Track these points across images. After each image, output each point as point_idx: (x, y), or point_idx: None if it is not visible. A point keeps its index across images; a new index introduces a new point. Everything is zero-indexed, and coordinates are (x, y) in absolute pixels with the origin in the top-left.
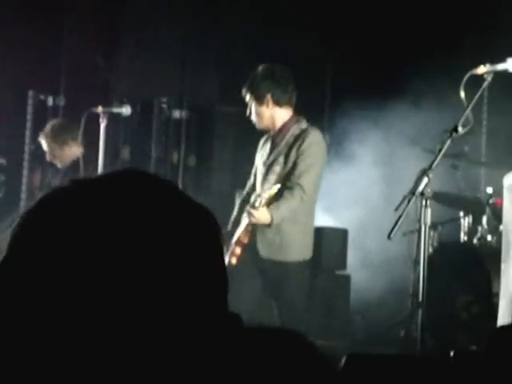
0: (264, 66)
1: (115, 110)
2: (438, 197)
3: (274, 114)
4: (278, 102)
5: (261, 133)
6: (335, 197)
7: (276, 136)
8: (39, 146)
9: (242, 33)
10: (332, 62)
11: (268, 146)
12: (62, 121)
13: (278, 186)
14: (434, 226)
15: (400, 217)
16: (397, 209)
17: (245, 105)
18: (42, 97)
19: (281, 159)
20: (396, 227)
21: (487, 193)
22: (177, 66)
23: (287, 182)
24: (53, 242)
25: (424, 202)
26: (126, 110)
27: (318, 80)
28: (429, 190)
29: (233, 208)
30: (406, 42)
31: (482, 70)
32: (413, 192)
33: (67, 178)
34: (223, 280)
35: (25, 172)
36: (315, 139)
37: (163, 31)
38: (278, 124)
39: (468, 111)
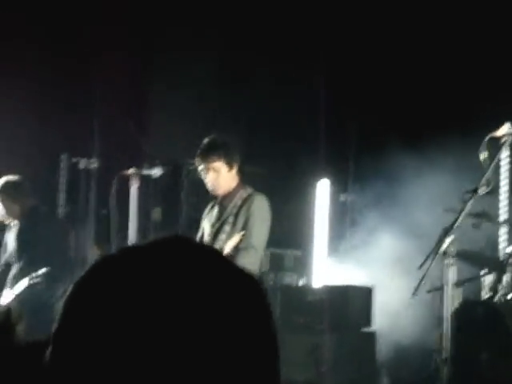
0: (214, 135)
1: (146, 171)
2: (460, 255)
3: (231, 179)
4: (239, 169)
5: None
6: (359, 255)
7: (224, 199)
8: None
9: (268, 96)
10: (356, 125)
11: (215, 209)
12: (10, 176)
13: (239, 236)
14: (457, 284)
15: (424, 275)
16: (420, 267)
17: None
18: (75, 160)
19: (230, 219)
20: (420, 285)
21: (507, 252)
22: (205, 128)
23: (240, 242)
24: (103, 310)
25: (447, 261)
26: (156, 172)
27: (342, 141)
28: (452, 249)
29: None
30: (425, 105)
31: (501, 131)
32: (436, 251)
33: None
34: (274, 346)
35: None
36: (262, 203)
37: (191, 94)
38: (230, 188)
39: (489, 172)
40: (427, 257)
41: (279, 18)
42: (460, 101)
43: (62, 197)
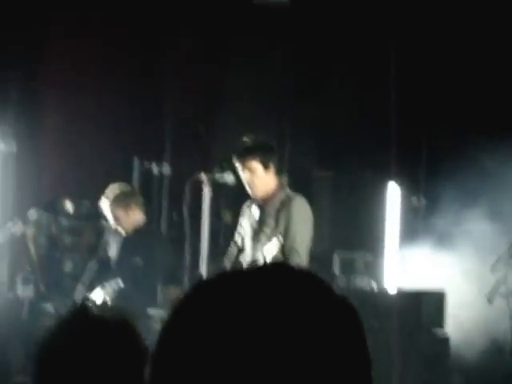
0: (254, 136)
1: (218, 176)
2: None
3: (268, 180)
4: (277, 171)
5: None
6: (431, 259)
7: (264, 202)
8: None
9: (338, 98)
10: (428, 127)
11: (255, 211)
12: (123, 185)
13: (276, 241)
14: None
15: (499, 281)
16: (492, 270)
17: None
18: (147, 164)
19: (271, 222)
20: (496, 292)
21: None
22: (275, 132)
23: (282, 245)
24: (201, 334)
25: None
26: (228, 177)
27: (413, 144)
28: None
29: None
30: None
31: None
32: (510, 254)
33: (130, 245)
34: (368, 375)
35: None
36: (302, 205)
37: (261, 99)
38: (270, 191)
39: None
40: (498, 259)
41: (349, 23)
42: None
43: None
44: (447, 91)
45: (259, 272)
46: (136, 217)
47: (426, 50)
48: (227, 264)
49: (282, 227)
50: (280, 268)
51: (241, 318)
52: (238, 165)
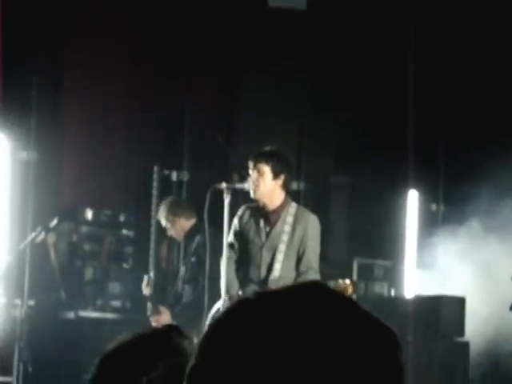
0: (275, 147)
1: (238, 185)
2: None
3: (275, 190)
4: (285, 184)
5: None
6: (450, 266)
7: (271, 214)
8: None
9: (357, 105)
10: (446, 134)
11: (260, 221)
12: (172, 198)
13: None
14: None
15: None
16: None
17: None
18: (167, 172)
19: (284, 238)
20: None
21: None
22: (292, 143)
23: (299, 263)
24: (237, 352)
25: None
26: (247, 186)
27: (431, 151)
28: None
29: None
30: None
31: None
32: None
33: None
34: None
35: (152, 244)
36: (316, 223)
37: (279, 109)
38: (276, 203)
39: None
40: None
41: (367, 28)
42: None
43: (154, 208)
44: (466, 100)
45: (299, 292)
46: (182, 223)
47: (444, 57)
48: (222, 268)
49: (296, 244)
50: (318, 289)
51: (280, 333)
52: (251, 167)
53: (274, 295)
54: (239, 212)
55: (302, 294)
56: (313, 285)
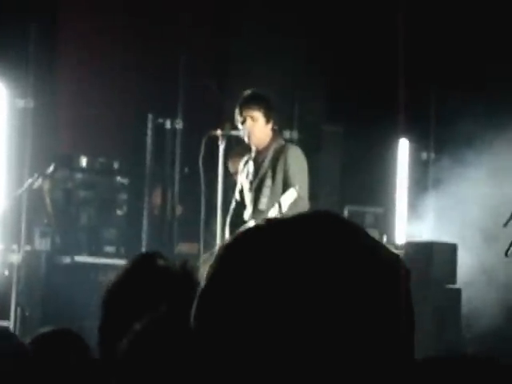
0: (254, 89)
1: (234, 132)
2: None
3: (267, 133)
4: (275, 124)
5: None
6: (441, 214)
7: (258, 154)
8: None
9: (348, 55)
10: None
11: (250, 164)
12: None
13: (294, 192)
14: None
15: None
16: (505, 225)
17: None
18: (161, 120)
19: (269, 173)
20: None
21: None
22: (287, 88)
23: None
24: (246, 277)
25: None
26: (242, 133)
27: (422, 100)
28: None
29: None
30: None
31: None
32: None
33: None
34: (410, 322)
35: (146, 191)
36: (297, 153)
37: (274, 58)
38: (266, 142)
39: None
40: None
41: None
42: None
43: (148, 156)
44: (457, 47)
45: (310, 219)
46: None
47: (433, 4)
48: (229, 221)
49: (280, 177)
50: (329, 216)
51: (289, 259)
52: (239, 116)
53: (285, 222)
54: (240, 167)
55: (310, 221)
56: (323, 212)
